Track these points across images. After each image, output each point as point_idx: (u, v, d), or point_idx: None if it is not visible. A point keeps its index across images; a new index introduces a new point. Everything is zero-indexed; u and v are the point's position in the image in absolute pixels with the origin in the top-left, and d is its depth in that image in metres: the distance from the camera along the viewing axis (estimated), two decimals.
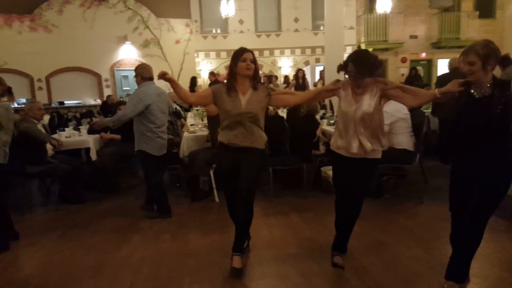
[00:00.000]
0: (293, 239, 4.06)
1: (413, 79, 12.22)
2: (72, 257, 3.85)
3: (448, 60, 7.29)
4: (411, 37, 18.13)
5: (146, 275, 3.37)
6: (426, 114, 5.14)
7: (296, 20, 17.86)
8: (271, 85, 3.57)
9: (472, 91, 2.71)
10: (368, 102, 3.10)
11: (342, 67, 3.19)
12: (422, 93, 3.14)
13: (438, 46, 18.19)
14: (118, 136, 6.00)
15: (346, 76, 3.24)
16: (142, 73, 4.64)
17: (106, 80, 15.60)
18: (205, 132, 5.97)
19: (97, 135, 6.05)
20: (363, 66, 3.04)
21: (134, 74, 4.68)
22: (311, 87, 14.15)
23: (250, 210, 3.44)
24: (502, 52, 3.68)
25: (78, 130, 6.14)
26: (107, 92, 15.08)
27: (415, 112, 5.07)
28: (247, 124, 3.30)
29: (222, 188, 3.59)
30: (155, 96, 4.58)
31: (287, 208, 4.96)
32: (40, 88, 14.60)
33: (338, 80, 3.28)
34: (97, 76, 15.47)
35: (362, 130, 3.12)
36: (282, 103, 3.84)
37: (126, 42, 15.44)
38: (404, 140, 4.87)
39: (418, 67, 14.46)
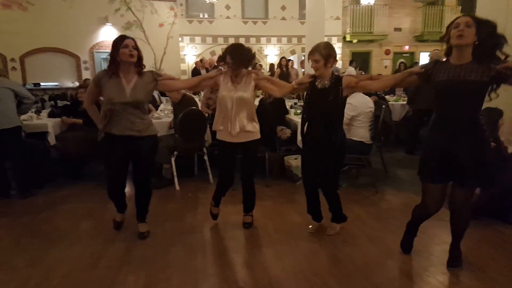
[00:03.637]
0: (240, 227, 4.05)
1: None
2: (15, 244, 3.70)
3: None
4: (396, 29, 18.18)
5: (85, 265, 3.24)
6: (384, 106, 5.12)
7: (283, 8, 17.71)
8: (159, 71, 3.66)
9: (316, 83, 3.41)
10: (244, 89, 3.57)
11: (221, 59, 3.60)
12: (285, 85, 3.75)
13: (421, 39, 18.30)
14: (80, 121, 5.77)
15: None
16: None
17: (85, 62, 15.32)
18: (171, 118, 5.81)
19: (57, 119, 5.83)
20: (239, 59, 3.49)
21: None
22: (300, 75, 13.97)
23: (150, 191, 3.77)
24: None
25: (39, 113, 5.93)
26: (86, 74, 14.85)
27: (375, 104, 5.17)
28: (133, 112, 3.35)
29: (109, 175, 3.64)
30: None
31: None
32: (13, 68, 14.18)
33: (220, 71, 3.65)
34: (76, 57, 15.17)
35: (239, 113, 3.54)
36: (168, 88, 4.02)
37: (106, 24, 15.17)
38: (361, 133, 4.90)
39: (401, 60, 14.45)
